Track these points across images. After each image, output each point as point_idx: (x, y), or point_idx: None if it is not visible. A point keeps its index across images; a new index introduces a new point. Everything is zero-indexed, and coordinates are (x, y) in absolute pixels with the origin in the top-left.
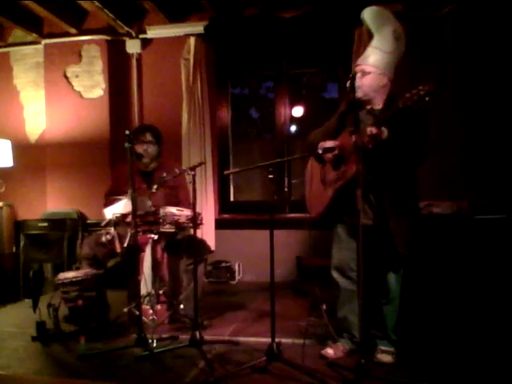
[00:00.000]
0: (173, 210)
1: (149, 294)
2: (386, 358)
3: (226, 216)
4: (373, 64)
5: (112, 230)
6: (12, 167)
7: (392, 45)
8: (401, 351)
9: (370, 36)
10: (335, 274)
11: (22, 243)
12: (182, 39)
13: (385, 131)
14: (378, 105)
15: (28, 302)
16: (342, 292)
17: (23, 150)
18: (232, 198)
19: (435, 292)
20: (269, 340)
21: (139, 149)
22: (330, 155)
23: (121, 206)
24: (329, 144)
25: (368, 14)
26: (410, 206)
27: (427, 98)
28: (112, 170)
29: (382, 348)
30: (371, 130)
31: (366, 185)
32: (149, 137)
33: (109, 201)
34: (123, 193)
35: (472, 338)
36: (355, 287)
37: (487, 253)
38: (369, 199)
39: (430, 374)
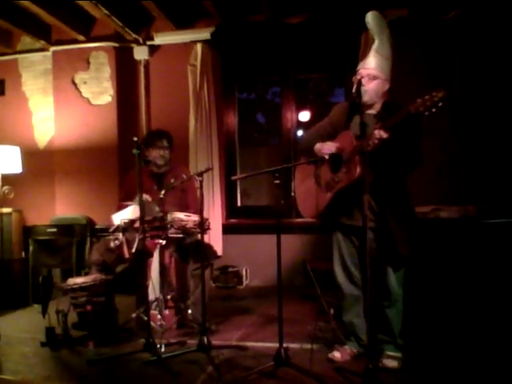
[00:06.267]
0: (180, 215)
1: (157, 299)
2: (392, 364)
3: (233, 221)
4: (378, 69)
5: (120, 235)
6: (21, 173)
7: (389, 51)
8: (409, 356)
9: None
10: (339, 280)
11: (30, 249)
12: (188, 45)
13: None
14: (377, 109)
15: (37, 307)
16: (347, 297)
17: (32, 156)
18: (239, 203)
19: (443, 296)
20: (276, 345)
21: (155, 153)
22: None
23: (129, 212)
24: (328, 148)
25: (370, 18)
26: (407, 208)
27: (440, 104)
28: (122, 176)
29: (389, 353)
30: (380, 133)
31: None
32: (165, 142)
33: (120, 207)
34: (135, 198)
35: (480, 342)
36: (359, 291)
37: (495, 257)
38: (369, 201)
39: (437, 379)
